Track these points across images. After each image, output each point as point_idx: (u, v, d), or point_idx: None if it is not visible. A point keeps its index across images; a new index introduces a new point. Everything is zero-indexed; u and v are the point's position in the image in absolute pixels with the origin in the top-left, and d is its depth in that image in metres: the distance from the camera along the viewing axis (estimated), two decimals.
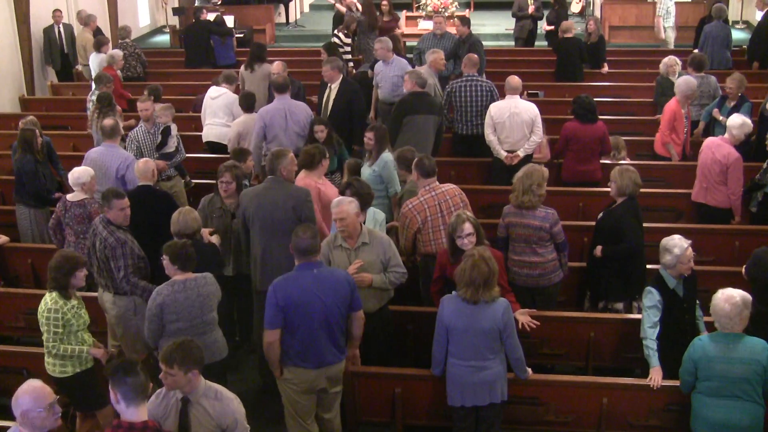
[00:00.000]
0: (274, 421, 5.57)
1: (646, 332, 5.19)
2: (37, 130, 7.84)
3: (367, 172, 6.97)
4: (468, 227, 5.23)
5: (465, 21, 11.12)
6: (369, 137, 7.02)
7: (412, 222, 6.02)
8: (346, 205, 5.36)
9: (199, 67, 13.19)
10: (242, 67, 10.38)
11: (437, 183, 6.18)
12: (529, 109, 8.05)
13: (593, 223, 6.36)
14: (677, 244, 5.14)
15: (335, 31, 12.47)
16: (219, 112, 9.09)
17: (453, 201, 6.08)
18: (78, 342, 5.16)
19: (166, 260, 5.05)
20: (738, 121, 7.22)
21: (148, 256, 5.87)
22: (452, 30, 11.30)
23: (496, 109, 8.10)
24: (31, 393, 3.79)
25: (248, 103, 8.49)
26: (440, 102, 8.56)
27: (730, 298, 4.58)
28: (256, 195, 6.03)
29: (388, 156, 6.93)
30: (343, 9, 13.40)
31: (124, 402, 3.75)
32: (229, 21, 14.74)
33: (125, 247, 5.75)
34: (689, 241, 5.20)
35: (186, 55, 13.69)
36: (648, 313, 5.19)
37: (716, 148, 7.23)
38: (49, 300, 5.08)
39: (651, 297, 5.20)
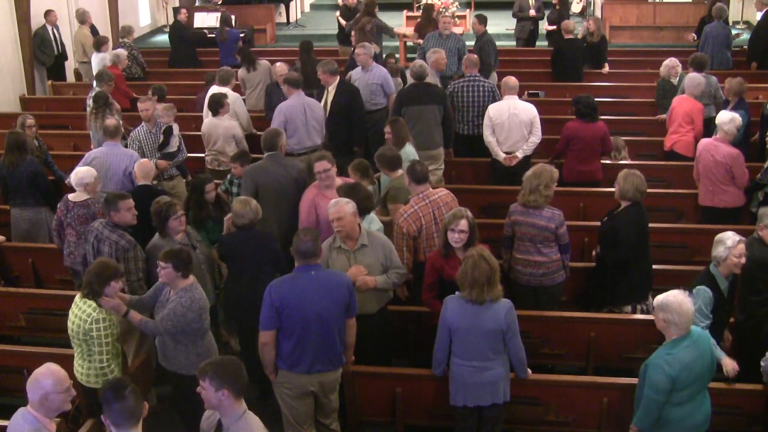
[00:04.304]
0: (270, 424, 5.53)
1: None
2: (27, 131, 7.83)
3: None
4: (464, 224, 5.18)
5: (481, 19, 11.14)
6: (387, 131, 6.96)
7: (409, 231, 5.76)
8: (344, 205, 5.29)
9: (180, 66, 13.32)
10: (239, 70, 10.40)
11: (431, 189, 5.99)
12: (527, 110, 8.02)
13: (594, 224, 6.37)
14: (730, 236, 5.15)
15: (348, 31, 12.27)
16: None
17: (446, 208, 5.83)
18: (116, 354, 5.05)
19: (169, 268, 4.90)
20: (726, 118, 7.21)
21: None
22: (459, 29, 11.26)
23: (494, 110, 8.06)
24: (52, 376, 3.91)
25: (214, 108, 8.27)
26: (442, 91, 8.48)
27: (687, 300, 4.41)
28: (264, 169, 6.63)
29: (410, 150, 6.83)
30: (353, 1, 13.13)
31: (114, 428, 3.69)
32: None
33: (137, 249, 5.76)
34: (743, 237, 5.20)
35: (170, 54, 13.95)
36: (703, 308, 5.03)
37: (714, 150, 7.21)
38: (90, 310, 4.87)
39: (705, 294, 5.06)
